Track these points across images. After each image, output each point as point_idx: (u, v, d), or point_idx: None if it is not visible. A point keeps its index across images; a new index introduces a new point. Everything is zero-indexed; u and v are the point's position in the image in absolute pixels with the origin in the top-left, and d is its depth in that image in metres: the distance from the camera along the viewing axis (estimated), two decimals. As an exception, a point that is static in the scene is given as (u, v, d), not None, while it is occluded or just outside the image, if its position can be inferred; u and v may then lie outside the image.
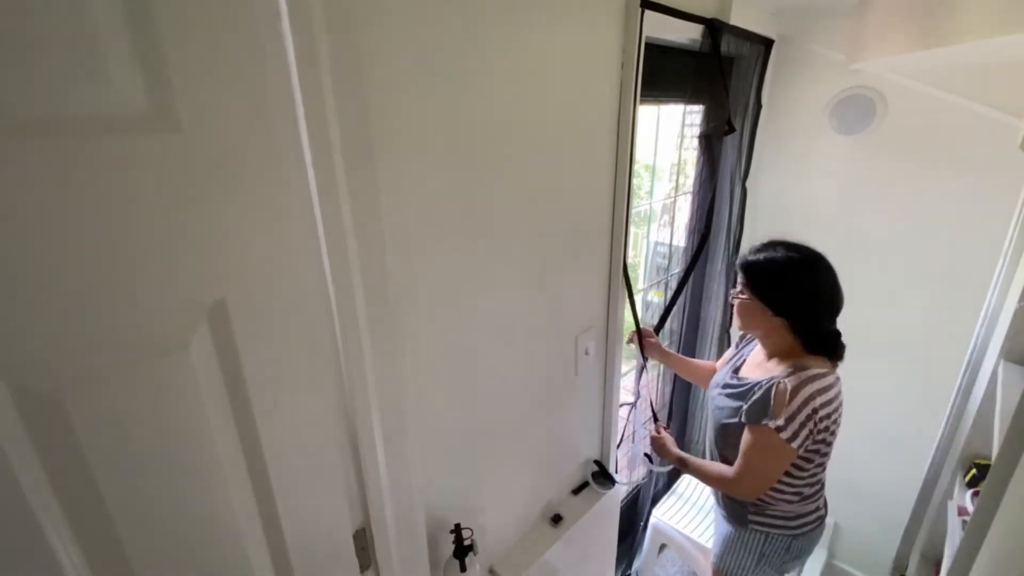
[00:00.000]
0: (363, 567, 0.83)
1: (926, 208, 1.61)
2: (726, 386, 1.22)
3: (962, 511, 1.09)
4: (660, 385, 2.00)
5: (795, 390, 1.04)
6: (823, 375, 1.07)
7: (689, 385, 2.12)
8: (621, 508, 1.68)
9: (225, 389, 0.57)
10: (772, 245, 1.15)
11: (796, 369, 1.08)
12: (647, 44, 1.13)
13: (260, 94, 0.52)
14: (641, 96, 1.17)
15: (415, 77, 0.72)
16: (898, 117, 1.58)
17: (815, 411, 1.04)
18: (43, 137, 0.41)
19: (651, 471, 1.60)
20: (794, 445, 1.04)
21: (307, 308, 0.63)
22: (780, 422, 1.04)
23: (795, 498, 1.18)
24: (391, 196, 0.71)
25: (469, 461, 1.06)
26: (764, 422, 1.05)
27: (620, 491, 1.55)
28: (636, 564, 2.08)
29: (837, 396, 1.09)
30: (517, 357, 1.09)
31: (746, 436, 1.11)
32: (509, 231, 0.97)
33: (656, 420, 1.59)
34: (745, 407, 1.10)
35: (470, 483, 1.08)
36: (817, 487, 1.21)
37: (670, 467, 1.50)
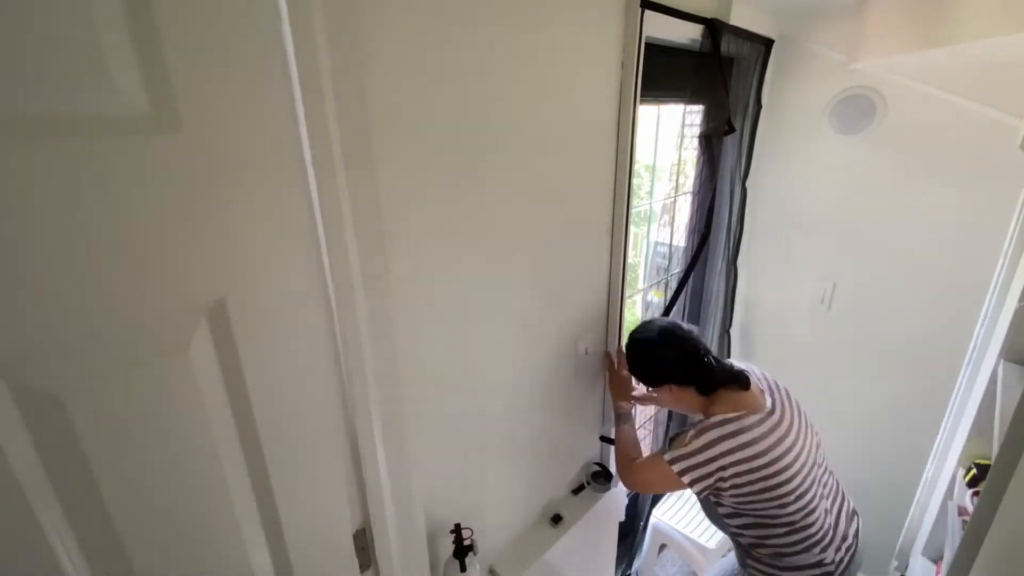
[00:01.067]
0: (363, 567, 0.83)
1: (926, 208, 1.61)
2: None
3: (962, 511, 1.09)
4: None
5: (697, 435, 1.09)
6: (728, 421, 1.08)
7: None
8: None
9: (225, 389, 0.57)
10: (632, 334, 1.25)
11: (705, 419, 1.13)
12: (647, 44, 1.13)
13: (260, 94, 0.52)
14: (641, 96, 1.17)
15: (414, 77, 0.72)
16: (898, 117, 1.58)
17: (719, 456, 1.06)
18: (43, 137, 0.41)
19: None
20: (684, 480, 1.08)
21: (307, 308, 0.63)
22: (668, 456, 1.10)
23: (783, 543, 1.13)
24: (390, 196, 0.71)
25: (469, 461, 1.06)
26: (664, 454, 1.11)
27: (620, 491, 1.55)
28: (636, 564, 2.08)
29: (757, 440, 1.06)
30: (517, 357, 1.09)
31: (653, 454, 1.19)
32: (508, 231, 0.97)
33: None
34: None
35: (470, 483, 1.08)
36: (805, 536, 1.11)
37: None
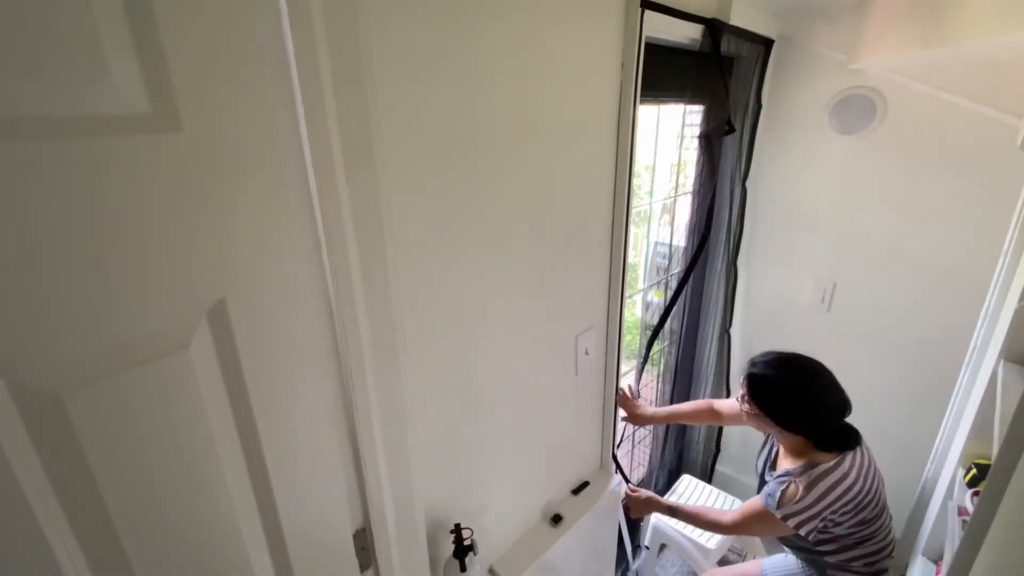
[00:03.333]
0: (363, 567, 0.83)
1: (926, 208, 1.61)
2: (763, 483, 1.31)
3: (962, 511, 1.09)
4: (660, 385, 2.00)
5: (807, 488, 1.14)
6: (831, 469, 1.14)
7: (689, 384, 2.12)
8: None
9: (225, 389, 0.57)
10: (771, 361, 1.22)
11: (807, 467, 1.16)
12: (647, 44, 1.13)
13: (260, 94, 0.52)
14: (641, 96, 1.17)
15: (414, 77, 0.72)
16: (898, 117, 1.58)
17: (829, 505, 1.12)
18: (43, 137, 0.41)
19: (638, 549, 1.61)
20: (797, 530, 1.14)
21: (307, 308, 0.63)
22: (780, 513, 1.15)
23: (866, 553, 1.23)
24: (390, 196, 0.71)
25: (469, 461, 1.06)
26: (771, 508, 1.16)
27: (620, 490, 1.55)
28: (636, 564, 2.08)
29: (855, 481, 1.15)
30: (517, 357, 1.09)
31: (753, 501, 1.23)
32: (509, 231, 0.96)
33: (628, 481, 1.62)
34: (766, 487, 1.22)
35: (470, 483, 1.08)
36: (883, 546, 1.24)
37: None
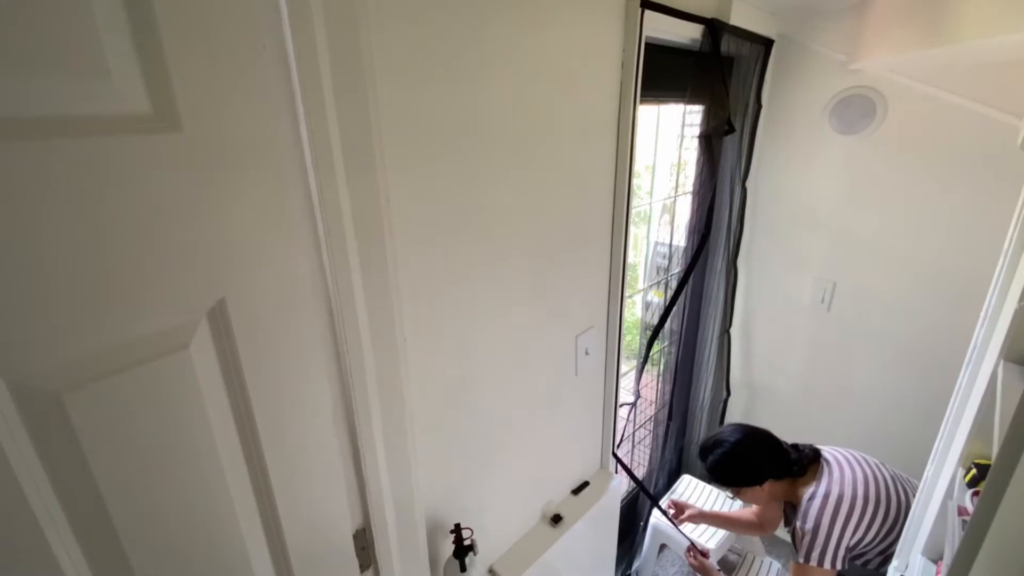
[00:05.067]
0: (363, 567, 0.83)
1: (926, 208, 1.61)
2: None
3: (962, 511, 1.08)
4: (660, 384, 2.00)
5: (803, 522, 1.23)
6: (813, 495, 1.24)
7: (689, 384, 2.12)
8: (621, 508, 1.68)
9: (225, 389, 0.57)
10: (710, 447, 1.37)
11: (797, 508, 1.28)
12: (647, 44, 1.13)
13: (260, 93, 0.52)
14: (641, 96, 1.17)
15: (414, 77, 0.72)
16: (898, 117, 1.58)
17: (831, 528, 1.19)
18: (43, 137, 0.41)
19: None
20: (826, 565, 1.20)
21: (307, 308, 0.63)
22: (803, 558, 1.22)
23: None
24: (389, 196, 0.71)
25: (469, 461, 1.06)
26: (800, 562, 1.24)
27: (620, 491, 1.55)
28: (636, 564, 2.08)
29: (841, 494, 1.22)
30: (517, 357, 1.09)
31: (792, 567, 1.31)
32: (509, 231, 0.96)
33: (693, 546, 1.73)
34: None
35: (470, 483, 1.08)
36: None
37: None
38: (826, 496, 1.22)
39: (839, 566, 1.21)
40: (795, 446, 1.35)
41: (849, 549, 1.21)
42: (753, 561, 1.84)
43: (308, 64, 0.56)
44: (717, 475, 1.36)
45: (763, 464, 1.31)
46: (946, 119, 1.50)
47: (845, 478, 1.25)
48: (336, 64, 0.58)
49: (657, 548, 1.99)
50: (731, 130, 1.52)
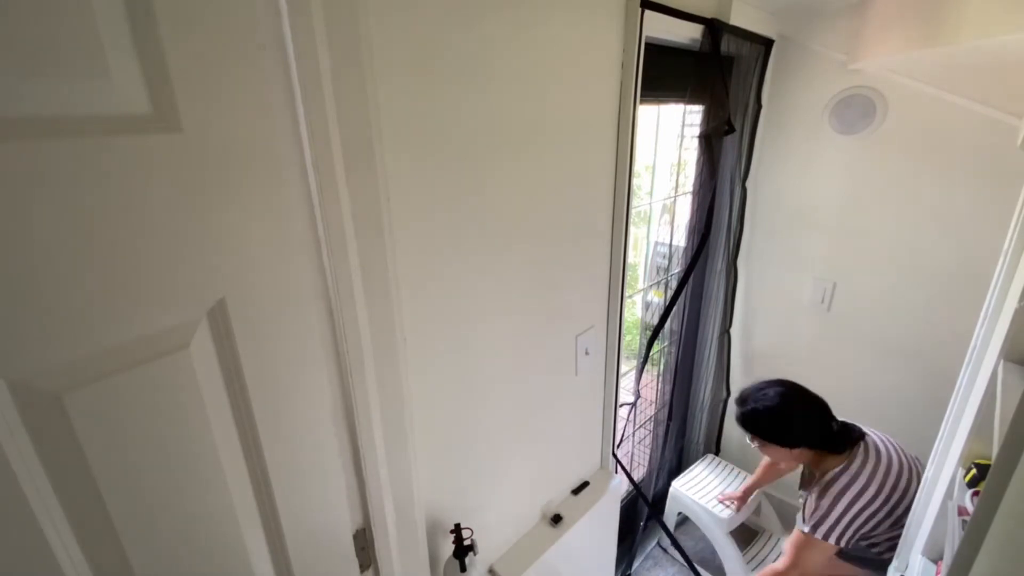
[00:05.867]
0: (363, 567, 0.83)
1: (926, 208, 1.61)
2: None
3: (962, 511, 1.08)
4: (660, 384, 2.00)
5: (819, 498, 1.20)
6: (839, 475, 1.21)
7: (689, 385, 2.12)
8: (621, 508, 1.68)
9: (225, 389, 0.57)
10: (749, 394, 1.33)
11: (820, 478, 1.24)
12: (647, 44, 1.13)
13: (260, 94, 0.52)
14: (641, 96, 1.17)
15: (414, 77, 0.72)
16: (898, 117, 1.58)
17: (846, 510, 1.17)
18: (43, 137, 0.41)
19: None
20: (831, 541, 1.19)
21: (307, 308, 0.63)
22: (807, 528, 1.21)
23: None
24: (389, 196, 0.71)
25: (469, 461, 1.06)
26: (802, 529, 1.23)
27: (620, 491, 1.55)
28: (636, 564, 2.08)
29: (868, 483, 1.19)
30: (517, 357, 1.09)
31: (793, 534, 1.30)
32: (509, 231, 0.96)
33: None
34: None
35: (470, 483, 1.08)
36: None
37: None
38: (852, 480, 1.19)
39: (843, 544, 1.19)
40: (844, 424, 1.28)
41: (859, 533, 1.20)
42: (770, 539, 1.87)
43: (308, 64, 0.56)
44: (753, 426, 1.30)
45: (805, 431, 1.25)
46: (946, 119, 1.50)
47: (880, 468, 1.21)
48: (336, 64, 0.58)
49: (676, 517, 2.02)
50: (731, 130, 1.52)
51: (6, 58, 0.39)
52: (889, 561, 1.26)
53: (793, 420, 1.26)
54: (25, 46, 0.39)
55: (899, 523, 1.22)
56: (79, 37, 0.41)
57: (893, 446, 1.31)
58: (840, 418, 1.31)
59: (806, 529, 1.20)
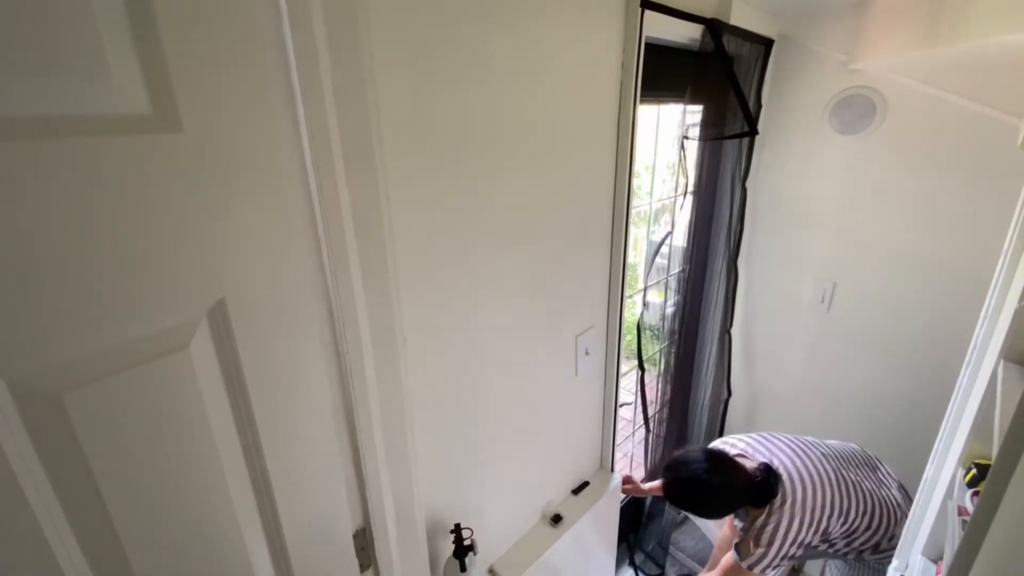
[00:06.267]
0: (363, 567, 0.83)
1: (926, 208, 1.61)
2: None
3: (962, 511, 1.08)
4: (660, 384, 2.00)
5: (755, 544, 1.23)
6: (765, 523, 1.23)
7: (689, 385, 2.12)
8: (621, 508, 1.68)
9: (225, 389, 0.57)
10: (680, 479, 1.28)
11: (751, 526, 1.26)
12: (647, 44, 1.13)
13: (260, 94, 0.52)
14: (641, 96, 1.17)
15: (414, 77, 0.72)
16: (898, 117, 1.58)
17: (780, 550, 1.21)
18: (43, 137, 0.41)
19: None
20: (758, 571, 1.23)
21: (307, 308, 0.63)
22: (745, 564, 1.24)
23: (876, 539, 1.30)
24: (389, 196, 0.71)
25: (469, 461, 1.06)
26: (738, 561, 1.25)
27: (620, 491, 1.55)
28: (637, 563, 2.08)
29: (792, 520, 1.21)
30: (517, 357, 1.09)
31: (727, 558, 1.30)
32: (509, 231, 0.96)
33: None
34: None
35: (470, 483, 1.08)
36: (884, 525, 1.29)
37: None
38: (778, 523, 1.22)
39: (773, 569, 1.25)
40: (764, 474, 1.27)
41: (796, 554, 1.24)
42: None
43: (308, 64, 0.56)
44: (688, 508, 1.32)
45: (734, 500, 1.27)
46: (946, 119, 1.50)
47: (799, 502, 1.23)
48: (336, 64, 0.58)
49: (677, 518, 2.01)
50: (752, 132, 1.52)
51: (6, 58, 0.39)
52: (848, 555, 1.32)
53: (720, 494, 1.25)
54: (25, 46, 0.39)
55: (848, 520, 1.25)
56: (79, 37, 0.41)
57: (814, 464, 1.30)
58: (760, 457, 1.32)
59: (743, 564, 1.24)
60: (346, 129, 0.61)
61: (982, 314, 1.25)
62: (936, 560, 1.14)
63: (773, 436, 1.40)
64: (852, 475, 1.32)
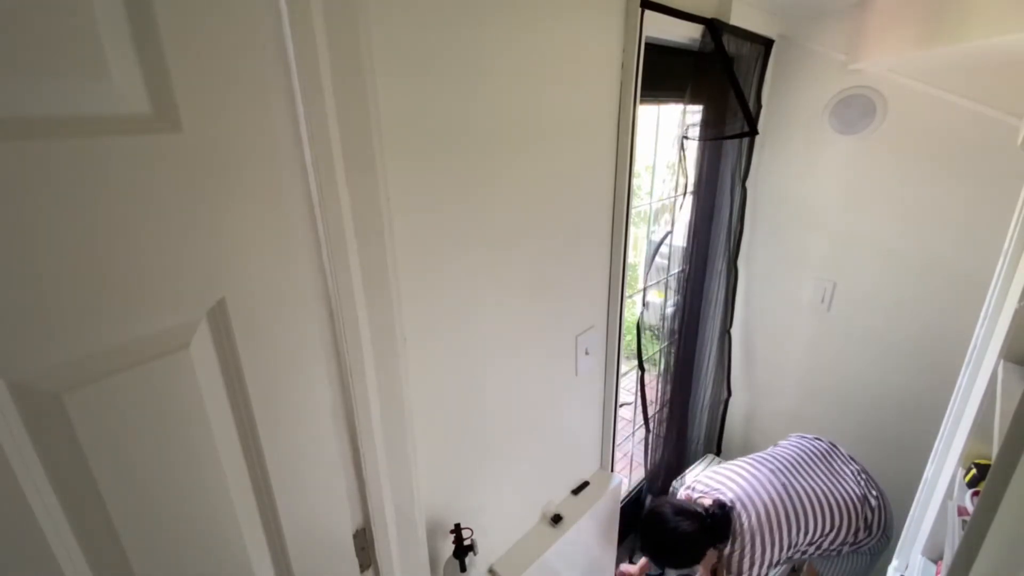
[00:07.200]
0: (363, 567, 0.83)
1: (926, 208, 1.61)
2: None
3: (962, 511, 1.08)
4: (660, 384, 2.00)
5: (727, 574, 1.29)
6: (729, 555, 1.29)
7: (689, 385, 2.12)
8: (621, 508, 1.68)
9: (225, 389, 0.57)
10: (652, 540, 1.34)
11: (720, 557, 1.33)
12: (647, 44, 1.13)
13: (260, 94, 0.52)
14: (641, 96, 1.17)
15: (414, 77, 0.72)
16: (898, 117, 1.58)
17: (749, 569, 1.26)
18: (43, 137, 0.41)
19: None
20: None
21: (307, 308, 0.63)
22: None
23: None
24: (389, 196, 0.71)
25: (469, 461, 1.06)
26: None
27: (620, 491, 1.55)
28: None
29: (747, 545, 1.26)
30: (517, 356, 1.09)
31: None
32: (509, 231, 0.96)
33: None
34: None
35: (470, 483, 1.08)
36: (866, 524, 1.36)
37: None
38: (742, 552, 1.27)
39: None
40: (716, 511, 1.32)
41: (771, 565, 1.29)
42: None
43: (308, 64, 0.56)
44: (669, 564, 1.37)
45: (701, 544, 1.30)
46: (946, 119, 1.50)
47: (756, 528, 1.27)
48: (336, 64, 0.58)
49: None
50: (753, 132, 1.52)
51: (6, 58, 0.39)
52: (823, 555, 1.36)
53: (689, 542, 1.29)
54: (26, 46, 0.39)
55: (809, 530, 1.30)
56: (79, 37, 0.41)
57: (762, 484, 1.35)
58: (721, 493, 1.36)
59: None
60: (346, 129, 0.61)
61: (982, 314, 1.25)
62: (936, 560, 1.14)
63: (726, 466, 1.46)
64: (802, 482, 1.37)
